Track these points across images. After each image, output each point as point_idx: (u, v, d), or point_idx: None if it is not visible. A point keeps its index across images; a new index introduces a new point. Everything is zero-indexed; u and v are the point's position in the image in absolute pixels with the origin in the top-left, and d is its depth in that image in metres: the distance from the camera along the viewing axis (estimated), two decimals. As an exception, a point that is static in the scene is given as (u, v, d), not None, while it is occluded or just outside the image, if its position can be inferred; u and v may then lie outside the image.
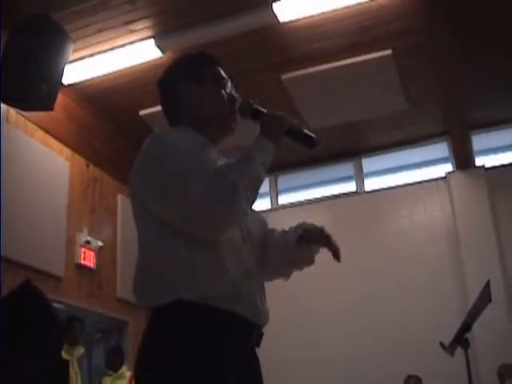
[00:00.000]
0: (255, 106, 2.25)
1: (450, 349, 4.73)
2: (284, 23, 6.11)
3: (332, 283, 8.22)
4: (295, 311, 8.20)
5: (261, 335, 2.16)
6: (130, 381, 6.98)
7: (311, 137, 2.23)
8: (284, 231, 2.45)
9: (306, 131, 2.22)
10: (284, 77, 6.95)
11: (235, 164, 1.98)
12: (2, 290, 5.08)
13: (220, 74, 2.34)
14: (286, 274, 2.52)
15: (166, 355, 1.90)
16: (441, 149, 8.74)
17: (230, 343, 1.97)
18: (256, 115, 2.23)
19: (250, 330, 2.08)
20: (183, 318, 1.93)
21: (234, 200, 1.90)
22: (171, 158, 1.97)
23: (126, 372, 7.07)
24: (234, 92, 2.32)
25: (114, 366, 7.14)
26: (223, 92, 2.28)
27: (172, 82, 2.32)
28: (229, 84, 2.33)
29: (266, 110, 2.25)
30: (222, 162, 2.12)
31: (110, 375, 7.14)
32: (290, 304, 8.07)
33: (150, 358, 1.94)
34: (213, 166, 1.97)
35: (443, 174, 8.48)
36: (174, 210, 1.95)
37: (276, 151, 2.11)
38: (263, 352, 2.17)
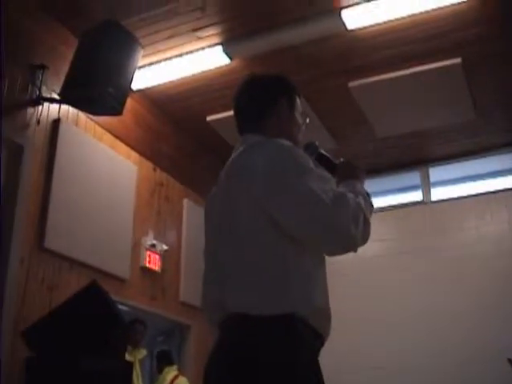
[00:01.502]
0: (320, 149, 2.45)
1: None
2: (352, 30, 6.08)
3: (395, 292, 8.15)
4: (357, 318, 8.15)
5: None
6: (172, 381, 7.06)
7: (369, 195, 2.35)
8: None
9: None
10: (351, 84, 6.92)
11: (363, 201, 2.15)
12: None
13: (302, 108, 2.48)
14: None
15: (273, 372, 1.91)
16: (509, 159, 8.56)
17: (317, 360, 2.06)
18: (321, 158, 2.42)
19: (322, 345, 2.17)
20: (292, 330, 1.96)
21: (369, 228, 2.10)
22: (314, 170, 2.08)
23: (170, 373, 7.15)
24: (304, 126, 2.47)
25: (159, 369, 7.27)
26: (301, 123, 2.45)
27: (275, 92, 2.42)
28: (307, 119, 2.50)
29: (330, 156, 2.44)
30: None
31: (156, 380, 7.29)
32: (351, 311, 8.02)
33: (255, 373, 1.92)
34: (346, 194, 2.09)
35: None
36: (316, 223, 1.99)
37: None
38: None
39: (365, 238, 2.08)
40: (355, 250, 2.06)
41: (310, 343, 2.01)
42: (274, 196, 2.03)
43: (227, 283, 2.07)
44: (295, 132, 2.38)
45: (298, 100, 2.45)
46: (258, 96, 2.41)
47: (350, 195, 2.06)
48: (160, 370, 7.29)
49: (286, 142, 2.15)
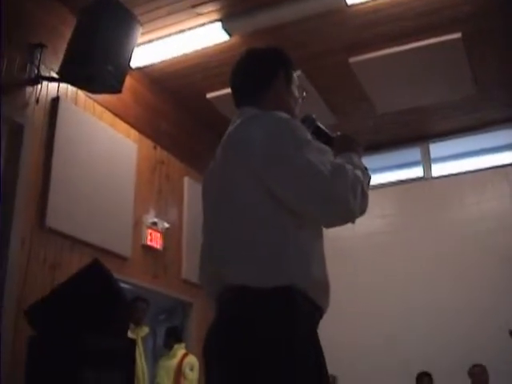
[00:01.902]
0: (318, 123, 2.43)
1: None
2: (352, 5, 6.04)
3: (396, 268, 8.18)
4: (359, 295, 8.18)
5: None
6: (181, 360, 7.09)
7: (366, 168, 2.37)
8: None
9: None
10: (351, 60, 6.89)
11: (361, 174, 2.17)
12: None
13: (295, 81, 2.48)
14: None
15: (274, 343, 1.92)
16: (509, 134, 8.54)
17: (315, 332, 2.08)
18: (318, 131, 2.39)
19: (321, 317, 2.18)
20: (291, 303, 1.97)
21: (367, 200, 2.13)
22: (313, 142, 2.10)
23: (179, 351, 7.18)
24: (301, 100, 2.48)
25: (168, 345, 7.29)
26: (298, 96, 2.45)
27: (274, 65, 2.42)
28: (303, 93, 2.50)
29: (327, 130, 2.43)
30: None
31: (165, 355, 7.29)
32: (354, 289, 8.06)
33: (256, 344, 1.93)
34: (344, 165, 2.11)
35: (512, 160, 8.32)
36: (314, 195, 2.01)
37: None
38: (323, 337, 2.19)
39: (362, 210, 2.10)
40: (353, 222, 2.09)
41: (308, 316, 2.03)
42: (272, 168, 2.04)
43: (226, 256, 2.08)
44: (292, 105, 2.38)
45: (294, 74, 2.45)
46: (254, 69, 2.42)
47: (349, 167, 2.08)
48: (169, 347, 7.30)
49: (284, 115, 2.15)
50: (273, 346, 1.91)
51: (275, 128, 2.09)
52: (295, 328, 1.95)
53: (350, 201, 1.99)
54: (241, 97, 2.40)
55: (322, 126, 2.39)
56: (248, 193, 2.07)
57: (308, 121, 2.38)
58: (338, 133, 2.39)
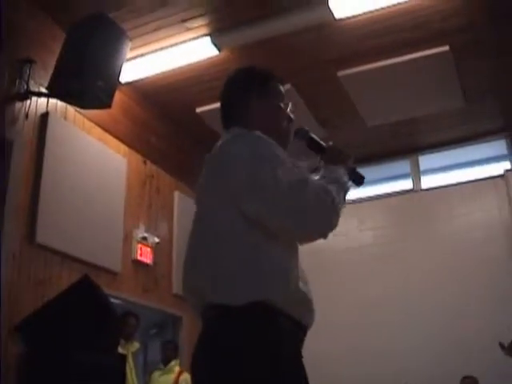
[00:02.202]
0: (311, 134, 2.44)
1: (509, 350, 4.67)
2: (340, 20, 6.07)
3: (386, 281, 8.18)
4: (342, 308, 8.19)
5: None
6: (178, 376, 7.06)
7: (361, 176, 2.42)
8: None
9: (358, 170, 2.40)
10: (340, 73, 6.92)
11: (330, 185, 2.14)
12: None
13: (283, 93, 2.48)
14: None
15: (246, 359, 1.93)
16: (499, 146, 8.58)
17: (296, 348, 2.06)
18: (310, 142, 2.42)
19: (304, 335, 2.17)
20: (262, 319, 1.97)
21: (337, 213, 2.10)
22: (281, 158, 2.11)
23: (176, 367, 7.15)
24: (291, 113, 2.46)
25: (166, 359, 7.24)
26: (285, 110, 2.43)
27: (239, 90, 2.44)
28: (289, 105, 2.46)
29: (321, 141, 2.43)
30: None
31: (160, 369, 7.25)
32: (344, 301, 8.07)
33: (229, 360, 1.94)
34: (313, 181, 2.12)
35: (501, 172, 8.34)
36: (285, 214, 2.03)
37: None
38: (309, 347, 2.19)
39: (329, 224, 2.09)
40: (323, 236, 2.11)
41: (291, 334, 2.03)
42: (245, 186, 2.07)
43: (201, 273, 2.10)
44: (276, 120, 2.39)
45: (275, 86, 2.45)
46: (230, 95, 2.46)
47: (316, 183, 2.10)
48: (167, 361, 7.26)
49: (260, 135, 2.18)
50: (257, 365, 1.91)
51: (250, 148, 2.12)
52: (279, 346, 1.95)
53: (317, 216, 2.03)
54: (224, 120, 2.45)
55: (315, 136, 2.41)
56: (222, 209, 2.11)
57: (301, 132, 2.40)
58: (330, 143, 2.40)
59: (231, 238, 2.06)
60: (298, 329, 2.08)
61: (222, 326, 2.00)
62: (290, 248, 2.13)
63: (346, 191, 2.21)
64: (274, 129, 2.33)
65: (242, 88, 2.43)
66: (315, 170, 2.30)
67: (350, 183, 2.28)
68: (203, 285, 2.08)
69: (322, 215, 2.03)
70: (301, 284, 2.09)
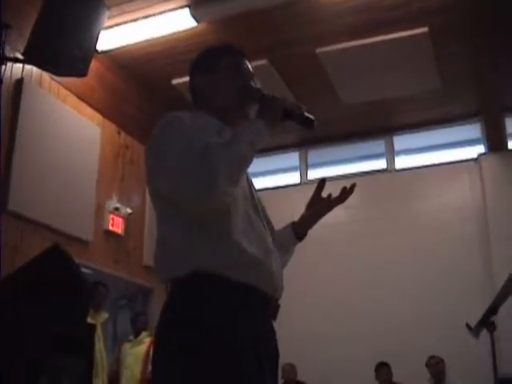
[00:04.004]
0: (261, 89, 2.30)
1: (475, 331, 4.72)
2: (320, -4, 6.06)
3: (358, 259, 8.24)
4: (316, 286, 8.24)
5: (277, 307, 2.20)
6: (149, 347, 7.07)
7: (309, 118, 2.22)
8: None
9: (305, 113, 2.21)
10: (319, 50, 6.91)
11: (222, 144, 2.01)
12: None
13: (239, 64, 2.40)
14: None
15: (182, 329, 1.96)
16: (473, 130, 8.64)
17: (245, 315, 2.01)
18: (260, 98, 2.25)
19: (265, 302, 2.12)
20: (199, 289, 1.99)
21: (213, 182, 1.92)
22: (171, 135, 2.08)
23: (147, 338, 7.16)
24: (256, 84, 2.37)
25: (137, 331, 7.24)
26: (240, 81, 2.34)
27: (194, 72, 2.43)
28: (250, 74, 2.39)
29: (270, 94, 2.26)
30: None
31: (130, 341, 7.25)
32: (311, 278, 8.12)
33: (168, 332, 2.00)
34: (202, 144, 1.99)
35: (475, 156, 8.40)
36: (165, 185, 2.05)
37: (271, 131, 2.13)
38: (282, 326, 2.19)
39: (205, 186, 1.94)
40: (204, 199, 1.97)
41: (225, 298, 2.00)
42: (149, 164, 2.16)
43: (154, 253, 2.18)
44: (218, 96, 2.34)
45: (223, 60, 2.39)
46: (189, 82, 2.46)
47: (206, 153, 1.96)
48: (137, 332, 7.26)
49: (166, 117, 2.19)
50: (186, 334, 1.95)
51: (157, 128, 2.16)
52: (200, 311, 1.97)
53: (192, 180, 1.94)
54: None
55: (267, 93, 2.30)
56: (149, 189, 2.21)
57: (256, 93, 2.31)
58: (274, 95, 2.29)
59: (160, 217, 2.16)
60: (250, 295, 2.04)
61: (167, 299, 2.07)
62: (224, 213, 2.06)
63: (245, 153, 2.03)
64: (225, 103, 2.31)
65: (191, 69, 2.45)
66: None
67: (260, 139, 2.09)
68: (155, 265, 2.17)
69: (198, 187, 1.93)
70: (248, 247, 2.05)
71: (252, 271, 2.05)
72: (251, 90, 2.32)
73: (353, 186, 2.46)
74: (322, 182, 2.51)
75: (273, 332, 2.16)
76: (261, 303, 2.09)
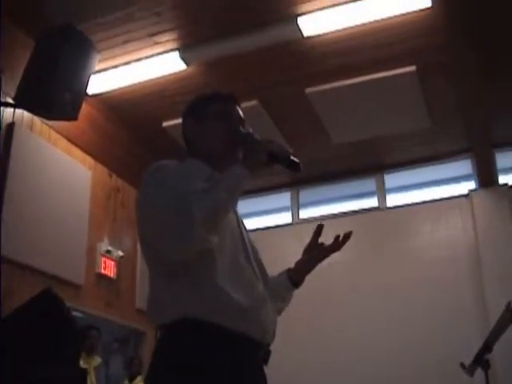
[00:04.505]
0: (251, 133, 2.29)
1: (470, 370, 4.69)
2: (309, 37, 6.12)
3: (349, 298, 8.20)
4: (311, 325, 8.19)
5: (268, 353, 2.18)
6: None
7: (295, 162, 2.20)
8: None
9: (291, 156, 2.20)
10: (308, 91, 6.95)
11: (199, 190, 2.00)
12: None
13: (227, 110, 2.40)
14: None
15: (170, 375, 1.97)
16: (464, 166, 8.67)
17: (232, 362, 2.00)
18: (249, 143, 2.25)
19: (255, 349, 2.10)
20: (185, 335, 2.00)
21: (190, 229, 1.92)
22: (154, 184, 2.11)
23: (141, 382, 7.08)
24: (246, 127, 2.38)
25: (131, 375, 7.18)
26: (228, 127, 2.35)
27: (185, 120, 2.47)
28: (239, 118, 2.39)
29: (256, 138, 2.26)
30: None
31: None
32: (306, 319, 8.06)
33: (157, 378, 2.02)
34: (181, 192, 1.99)
35: (466, 192, 8.42)
36: (149, 233, 2.09)
37: (255, 175, 2.13)
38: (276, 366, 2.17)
39: (180, 240, 1.95)
40: (181, 253, 2.00)
41: (209, 348, 1.99)
42: (137, 213, 2.17)
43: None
44: (208, 142, 2.35)
45: (211, 107, 2.39)
46: (182, 129, 2.49)
47: (182, 202, 1.97)
48: (132, 376, 7.19)
49: (155, 165, 2.25)
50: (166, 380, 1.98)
51: (144, 177, 2.21)
52: (187, 357, 1.97)
53: (172, 238, 1.96)
54: None
55: (257, 137, 2.29)
56: (138, 236, 2.22)
57: (241, 136, 2.30)
58: (259, 138, 2.27)
59: (149, 263, 2.17)
60: (237, 341, 2.03)
61: (156, 345, 2.10)
62: (196, 264, 2.05)
63: (225, 198, 2.03)
64: (214, 150, 2.33)
65: (186, 119, 2.46)
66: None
67: (239, 184, 2.08)
68: (147, 310, 2.19)
69: (179, 234, 1.93)
70: (234, 293, 2.04)
71: (238, 318, 2.04)
72: (241, 134, 2.32)
73: (349, 234, 2.44)
74: (319, 228, 2.49)
75: (263, 376, 2.14)
76: (248, 349, 2.07)
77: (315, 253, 2.50)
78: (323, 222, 2.38)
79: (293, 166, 2.21)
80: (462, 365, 4.76)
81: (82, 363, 5.77)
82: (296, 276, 2.50)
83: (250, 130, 2.32)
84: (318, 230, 2.49)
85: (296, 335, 7.68)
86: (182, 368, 1.95)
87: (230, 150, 2.31)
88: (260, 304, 2.13)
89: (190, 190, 1.99)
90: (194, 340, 1.98)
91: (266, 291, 2.22)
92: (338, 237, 2.44)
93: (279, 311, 2.43)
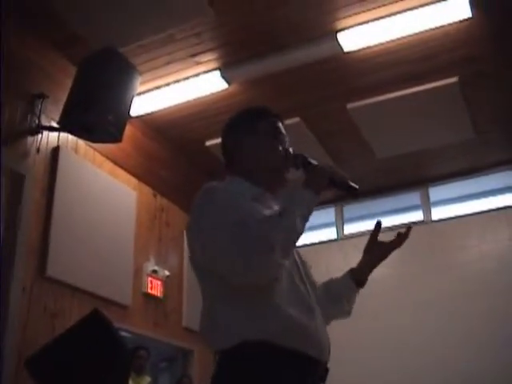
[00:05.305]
0: (306, 156, 2.31)
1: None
2: (349, 53, 6.12)
3: (398, 315, 8.13)
4: (354, 342, 8.10)
5: (326, 370, 2.16)
6: None
7: (354, 187, 2.24)
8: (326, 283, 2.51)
9: (349, 182, 2.23)
10: (349, 106, 6.95)
11: (274, 219, 2.00)
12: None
13: (277, 128, 2.41)
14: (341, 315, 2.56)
15: None
16: (509, 177, 8.56)
17: (295, 381, 1.99)
18: (305, 166, 2.28)
19: (315, 367, 2.09)
20: (248, 359, 1.96)
21: (269, 256, 1.92)
22: (216, 209, 2.04)
23: None
24: (289, 148, 2.38)
25: None
26: (278, 146, 2.36)
27: (230, 134, 2.43)
28: (286, 139, 2.40)
29: (315, 162, 2.28)
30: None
31: None
32: (349, 336, 7.99)
33: None
34: (253, 219, 1.99)
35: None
36: (216, 262, 2.00)
37: (318, 200, 2.13)
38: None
39: (262, 271, 1.96)
40: (260, 281, 2.00)
41: (271, 370, 1.97)
42: (190, 236, 2.14)
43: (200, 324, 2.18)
44: (265, 158, 2.33)
45: (266, 124, 2.39)
46: (223, 143, 2.46)
47: (259, 225, 1.96)
48: None
49: (209, 188, 2.16)
50: None
51: (197, 201, 2.12)
52: (249, 381, 1.95)
53: (252, 263, 1.91)
54: (225, 167, 2.44)
55: (311, 160, 2.32)
56: (193, 266, 2.17)
57: (298, 158, 2.33)
58: (321, 164, 2.30)
59: (204, 289, 2.14)
60: (299, 360, 2.02)
61: (216, 370, 2.04)
62: (272, 283, 2.04)
63: (296, 223, 2.02)
64: (267, 167, 2.31)
65: (230, 131, 2.44)
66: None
67: (310, 208, 2.09)
68: (202, 335, 2.17)
69: (254, 265, 1.91)
70: (293, 311, 2.04)
71: (298, 336, 2.03)
72: (291, 156, 2.33)
73: (408, 230, 2.51)
74: (378, 225, 2.54)
75: None
76: (309, 367, 2.06)
77: (376, 252, 2.53)
78: (368, 237, 2.37)
79: (351, 190, 2.24)
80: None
81: (131, 383, 5.81)
82: (359, 276, 2.52)
83: (298, 152, 2.34)
84: (377, 228, 2.55)
85: (344, 353, 7.64)
86: None
87: (277, 169, 2.33)
88: (317, 323, 2.12)
89: (263, 217, 2.02)
90: (254, 363, 1.95)
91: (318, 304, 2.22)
92: (399, 233, 2.52)
93: (345, 315, 2.55)
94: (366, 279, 2.54)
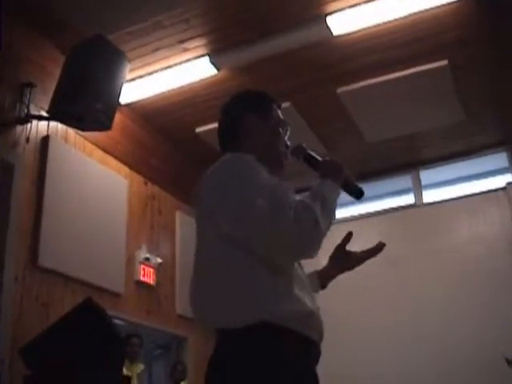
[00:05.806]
0: (308, 150, 2.37)
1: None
2: (338, 36, 6.10)
3: (389, 297, 8.14)
4: (347, 327, 8.12)
5: (320, 353, 2.17)
6: None
7: (361, 190, 2.29)
8: None
9: (357, 184, 2.30)
10: (339, 90, 6.94)
11: (314, 202, 2.02)
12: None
13: (282, 119, 2.45)
14: None
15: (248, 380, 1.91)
16: (500, 159, 8.57)
17: (306, 367, 2.02)
18: (308, 159, 2.35)
19: (318, 352, 2.12)
20: (266, 340, 1.94)
21: (318, 233, 1.97)
22: (259, 181, 2.03)
23: None
24: (288, 140, 2.43)
25: (175, 381, 7.20)
26: (283, 134, 2.41)
27: (238, 111, 2.41)
28: (287, 129, 2.44)
29: (318, 157, 2.34)
30: None
31: None
32: (342, 320, 8.00)
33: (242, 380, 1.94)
34: (296, 199, 2.02)
35: (503, 185, 8.32)
36: (259, 235, 1.97)
37: (339, 190, 2.21)
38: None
39: (312, 245, 1.99)
40: (308, 257, 2.02)
41: (297, 351, 1.98)
42: (220, 210, 2.04)
43: (199, 299, 2.12)
44: (272, 142, 2.36)
45: (273, 109, 2.43)
46: (224, 121, 2.44)
47: (298, 203, 1.99)
48: (176, 382, 7.21)
49: (241, 157, 2.15)
50: None
51: (225, 170, 2.11)
52: (279, 368, 1.92)
53: (299, 239, 1.93)
54: (221, 145, 2.42)
55: (312, 153, 2.37)
56: (206, 235, 2.10)
57: (298, 150, 2.37)
58: (327, 158, 2.35)
59: (217, 264, 2.05)
60: (307, 345, 2.04)
61: (228, 352, 1.98)
62: (280, 266, 2.06)
63: (331, 206, 2.09)
64: (271, 152, 2.33)
65: (237, 111, 2.41)
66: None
67: (336, 197, 2.16)
68: (202, 312, 2.10)
69: (304, 238, 1.94)
70: (303, 297, 2.06)
71: (307, 320, 2.05)
72: (299, 148, 2.37)
73: (382, 246, 2.58)
74: (349, 235, 2.53)
75: (317, 378, 2.13)
76: (314, 352, 2.10)
77: (340, 261, 2.56)
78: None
79: (358, 193, 2.30)
80: (507, 360, 4.72)
81: (125, 371, 5.81)
82: (321, 280, 2.55)
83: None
84: (348, 238, 2.55)
85: (336, 336, 7.67)
86: (267, 371, 1.90)
87: (281, 153, 2.37)
88: (317, 309, 2.14)
89: (307, 200, 2.03)
90: (276, 345, 1.94)
91: None
92: (371, 249, 2.58)
93: None
94: (327, 285, 2.57)
